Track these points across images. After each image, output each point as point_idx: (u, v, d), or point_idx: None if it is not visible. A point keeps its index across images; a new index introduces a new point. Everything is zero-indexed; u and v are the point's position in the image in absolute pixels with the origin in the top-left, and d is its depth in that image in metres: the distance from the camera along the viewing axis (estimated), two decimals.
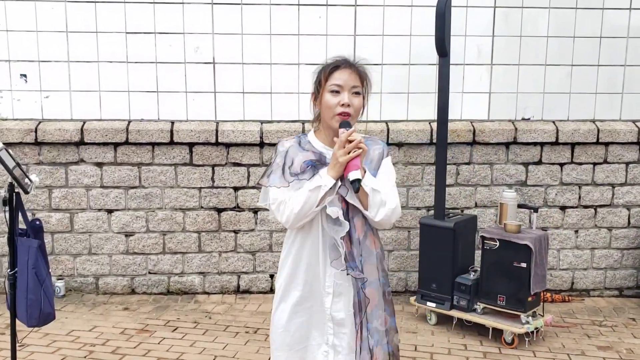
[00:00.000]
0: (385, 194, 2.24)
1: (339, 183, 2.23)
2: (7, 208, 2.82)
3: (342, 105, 2.22)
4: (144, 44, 4.79)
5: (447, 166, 4.80)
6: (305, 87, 4.90)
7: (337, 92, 2.24)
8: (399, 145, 4.91)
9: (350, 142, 2.18)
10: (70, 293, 4.92)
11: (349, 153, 2.17)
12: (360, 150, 2.17)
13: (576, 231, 5.07)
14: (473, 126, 4.94)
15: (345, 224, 2.26)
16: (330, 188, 2.21)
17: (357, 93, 2.26)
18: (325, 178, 2.20)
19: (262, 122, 4.88)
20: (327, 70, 2.27)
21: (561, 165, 5.00)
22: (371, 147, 2.34)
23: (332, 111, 2.24)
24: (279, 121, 4.89)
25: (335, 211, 2.24)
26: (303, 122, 4.92)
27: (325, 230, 2.30)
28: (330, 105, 2.24)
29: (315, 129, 2.39)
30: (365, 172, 2.23)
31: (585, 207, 5.05)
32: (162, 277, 4.97)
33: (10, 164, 2.75)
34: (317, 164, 2.28)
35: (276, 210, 2.28)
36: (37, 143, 4.75)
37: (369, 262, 2.31)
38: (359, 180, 2.14)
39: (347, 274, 2.28)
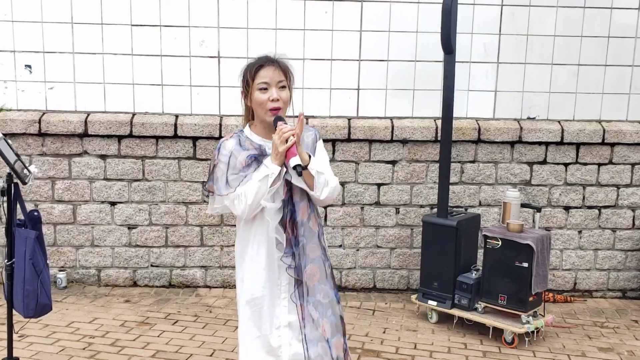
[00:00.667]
0: (327, 174, 2.49)
1: (284, 170, 2.44)
2: (5, 199, 2.81)
3: (272, 100, 2.43)
4: (149, 36, 4.78)
5: (452, 164, 4.78)
6: (310, 83, 4.89)
7: (265, 88, 2.44)
8: (404, 142, 4.89)
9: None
10: (72, 285, 4.93)
11: (286, 142, 2.36)
12: (295, 139, 2.36)
13: (580, 232, 5.03)
14: (478, 124, 4.91)
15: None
16: (277, 175, 2.41)
17: (283, 87, 2.48)
18: (271, 166, 2.40)
19: None
20: (253, 70, 2.47)
21: (566, 165, 4.96)
22: (305, 133, 2.56)
23: (264, 107, 2.45)
24: None
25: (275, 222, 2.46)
26: (307, 117, 4.91)
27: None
28: (261, 102, 2.44)
29: (250, 124, 2.59)
30: (310, 156, 2.46)
31: (590, 207, 5.01)
32: (164, 270, 4.98)
33: (9, 154, 2.75)
34: (259, 156, 2.48)
35: (231, 206, 2.48)
36: (41, 134, 4.76)
37: (311, 242, 2.54)
38: (299, 165, 2.33)
39: (280, 259, 2.49)
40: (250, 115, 2.57)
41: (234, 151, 2.48)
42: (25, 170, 2.85)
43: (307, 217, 2.53)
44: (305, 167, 2.36)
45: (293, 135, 2.36)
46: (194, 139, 4.82)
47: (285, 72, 2.49)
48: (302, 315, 2.51)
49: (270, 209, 2.45)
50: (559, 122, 4.97)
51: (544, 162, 4.96)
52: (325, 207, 4.92)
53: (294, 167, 2.33)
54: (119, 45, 4.78)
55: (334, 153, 4.86)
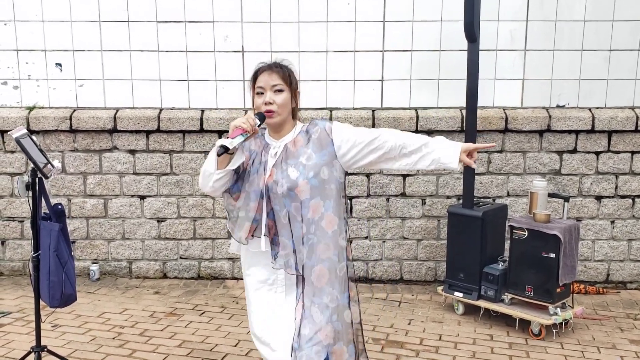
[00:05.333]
0: (369, 134, 2.51)
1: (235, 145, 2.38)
2: (30, 193, 2.91)
3: (265, 104, 2.48)
4: (175, 32, 4.86)
5: (479, 154, 4.70)
6: (333, 75, 4.88)
7: (262, 93, 2.50)
8: (429, 132, 4.84)
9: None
10: (104, 277, 5.07)
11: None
12: (244, 125, 2.37)
13: (612, 222, 4.91)
14: (505, 113, 4.83)
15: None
16: (230, 153, 2.39)
17: (280, 90, 2.50)
18: (219, 141, 2.41)
19: None
20: (252, 77, 2.56)
21: (597, 153, 4.84)
22: (311, 130, 2.53)
23: (260, 111, 2.50)
24: (306, 108, 4.88)
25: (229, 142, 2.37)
26: (331, 109, 4.91)
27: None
28: (258, 106, 2.52)
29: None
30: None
31: (623, 197, 4.87)
32: (192, 262, 5.06)
33: (33, 151, 2.84)
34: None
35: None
36: (72, 131, 4.89)
37: (322, 241, 2.48)
38: (224, 147, 2.34)
39: (274, 259, 2.49)
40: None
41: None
42: (49, 165, 2.94)
43: (319, 215, 2.46)
44: (226, 151, 2.35)
45: (248, 126, 2.39)
46: (220, 133, 4.88)
47: (283, 75, 2.51)
48: (302, 314, 2.46)
49: (219, 179, 2.44)
50: (589, 109, 4.85)
51: (574, 151, 4.84)
52: (350, 199, 4.92)
53: (220, 146, 2.34)
54: (146, 42, 4.87)
55: None
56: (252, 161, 2.51)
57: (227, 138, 2.35)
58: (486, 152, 4.86)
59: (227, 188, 2.52)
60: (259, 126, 2.44)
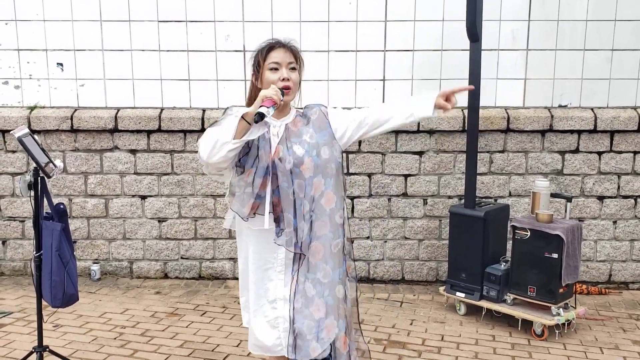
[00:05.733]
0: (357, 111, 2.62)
1: (257, 119, 2.34)
2: (32, 192, 2.90)
3: (283, 79, 2.48)
4: (176, 32, 4.84)
5: (481, 154, 4.71)
6: (335, 74, 4.87)
7: (276, 69, 2.50)
8: (430, 132, 4.84)
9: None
10: (105, 277, 5.06)
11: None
12: (275, 96, 2.37)
13: (614, 222, 4.90)
14: (507, 113, 4.82)
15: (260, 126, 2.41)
16: (248, 122, 2.34)
17: (293, 68, 2.53)
18: (242, 109, 2.40)
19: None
20: (264, 52, 2.54)
21: (599, 153, 4.83)
22: (309, 112, 2.60)
23: (275, 85, 2.47)
24: None
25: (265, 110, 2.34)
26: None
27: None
28: (272, 81, 2.48)
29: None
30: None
31: (625, 197, 4.87)
32: (193, 262, 5.05)
33: (35, 150, 2.83)
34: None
35: (200, 147, 2.42)
36: (73, 130, 4.88)
37: (320, 219, 2.54)
38: (260, 114, 2.30)
39: (273, 242, 2.51)
40: (254, 98, 2.55)
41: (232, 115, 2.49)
42: (51, 165, 2.93)
43: (319, 193, 2.52)
44: (262, 118, 2.31)
45: (277, 97, 2.39)
46: None
47: (296, 55, 2.55)
48: (295, 289, 2.52)
49: (230, 149, 2.37)
50: (591, 109, 4.84)
51: (577, 150, 4.83)
52: (351, 199, 4.91)
53: (256, 114, 2.30)
54: (147, 41, 4.86)
55: (360, 144, 4.84)
56: (257, 138, 2.48)
57: (262, 106, 2.32)
58: (488, 152, 4.85)
59: (236, 162, 2.48)
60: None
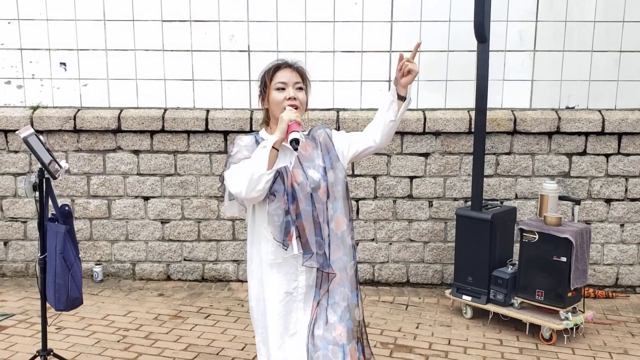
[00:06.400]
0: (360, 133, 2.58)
1: (286, 144, 2.35)
2: (37, 194, 2.85)
3: (289, 99, 2.44)
4: (180, 32, 4.80)
5: (487, 156, 4.66)
6: (340, 75, 4.83)
7: (283, 88, 2.45)
8: (436, 134, 4.79)
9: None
10: (108, 278, 5.01)
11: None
12: (298, 118, 2.36)
13: (622, 225, 4.86)
14: (514, 115, 4.78)
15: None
16: (277, 150, 2.35)
17: (300, 88, 2.49)
18: (269, 139, 2.37)
19: None
20: (270, 72, 2.50)
21: (607, 156, 4.79)
22: (315, 133, 2.56)
23: (280, 106, 2.44)
24: (313, 109, 4.83)
25: (296, 134, 2.32)
26: (338, 110, 4.86)
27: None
28: (278, 101, 2.44)
29: (266, 128, 2.58)
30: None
31: (633, 200, 4.82)
32: (196, 264, 5.01)
33: (41, 150, 2.79)
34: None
35: (232, 184, 2.38)
36: (76, 130, 4.83)
37: (334, 243, 2.50)
38: (296, 140, 2.29)
39: (302, 265, 2.44)
40: (268, 119, 2.56)
41: (250, 145, 2.48)
42: (56, 166, 2.89)
43: (329, 217, 2.49)
44: (299, 143, 2.31)
45: (300, 119, 2.39)
46: (225, 133, 4.83)
47: (302, 75, 2.52)
48: (317, 315, 2.45)
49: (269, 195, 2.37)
50: (599, 111, 4.80)
51: (584, 153, 4.79)
52: (356, 201, 4.86)
53: (291, 141, 2.30)
54: (150, 41, 4.82)
55: None
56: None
57: (293, 132, 2.30)
58: (494, 153, 4.81)
59: (270, 191, 2.40)
60: None
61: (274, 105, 2.46)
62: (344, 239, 2.54)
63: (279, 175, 2.40)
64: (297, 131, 2.30)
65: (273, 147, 2.33)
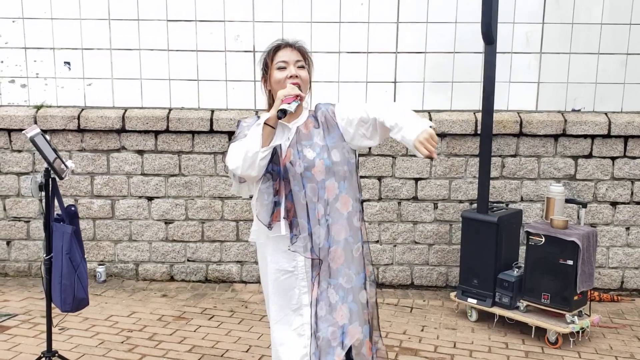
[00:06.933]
0: (365, 105, 2.49)
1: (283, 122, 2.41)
2: (43, 194, 2.83)
3: (291, 77, 2.45)
4: (185, 32, 4.78)
5: (492, 158, 4.64)
6: (345, 76, 4.81)
7: (284, 67, 2.46)
8: (442, 135, 4.77)
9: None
10: (111, 279, 4.99)
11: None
12: (298, 91, 2.38)
13: (627, 228, 4.83)
14: (520, 117, 4.76)
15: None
16: (272, 127, 2.37)
17: (302, 67, 2.49)
18: (264, 116, 2.40)
19: None
20: (271, 52, 2.51)
21: (613, 159, 4.77)
22: (318, 114, 2.53)
23: (282, 84, 2.45)
24: None
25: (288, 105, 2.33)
26: None
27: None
28: (279, 80, 2.45)
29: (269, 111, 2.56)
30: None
31: (638, 203, 4.80)
32: (200, 265, 4.98)
33: (47, 150, 2.77)
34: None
35: (230, 161, 2.43)
36: (80, 130, 4.81)
37: (337, 223, 2.49)
38: (283, 111, 2.31)
39: (287, 249, 2.47)
40: (271, 104, 2.55)
41: (251, 125, 2.50)
42: (62, 166, 2.86)
43: (333, 196, 2.48)
44: (285, 114, 2.32)
45: (298, 91, 2.39)
46: (230, 134, 4.81)
47: (303, 53, 2.52)
48: (318, 296, 2.47)
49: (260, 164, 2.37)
50: (605, 114, 4.78)
51: (590, 155, 4.77)
52: (361, 202, 4.84)
53: (278, 111, 2.32)
54: (155, 41, 4.80)
55: (370, 147, 4.78)
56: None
57: (283, 103, 2.31)
58: (500, 156, 4.79)
59: (266, 170, 2.45)
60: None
61: (276, 84, 2.46)
62: (350, 220, 2.53)
63: (275, 153, 2.42)
64: (289, 103, 2.32)
65: (266, 123, 2.35)
